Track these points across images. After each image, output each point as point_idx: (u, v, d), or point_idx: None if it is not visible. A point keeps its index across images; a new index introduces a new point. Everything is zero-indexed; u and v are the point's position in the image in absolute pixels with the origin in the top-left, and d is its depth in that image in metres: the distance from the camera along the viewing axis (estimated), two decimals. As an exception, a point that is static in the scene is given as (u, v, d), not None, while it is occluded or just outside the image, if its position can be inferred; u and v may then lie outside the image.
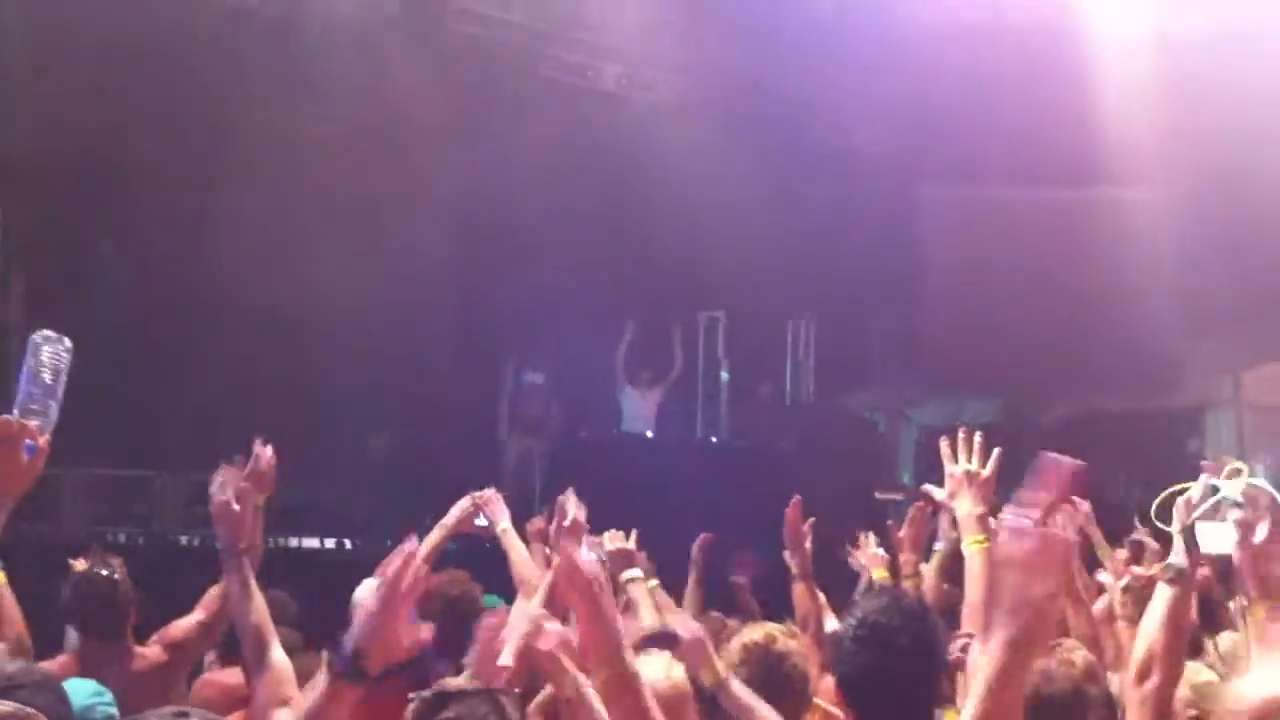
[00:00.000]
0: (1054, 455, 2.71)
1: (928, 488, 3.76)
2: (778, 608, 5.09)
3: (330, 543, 9.54)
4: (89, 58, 10.09)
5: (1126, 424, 13.14)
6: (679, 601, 5.69)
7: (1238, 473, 3.08)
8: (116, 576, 4.56)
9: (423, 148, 11.45)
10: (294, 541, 9.38)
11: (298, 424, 10.31)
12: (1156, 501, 3.18)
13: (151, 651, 4.54)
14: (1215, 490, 3.04)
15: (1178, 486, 3.12)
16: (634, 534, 4.50)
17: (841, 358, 14.47)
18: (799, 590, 4.67)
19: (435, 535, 4.77)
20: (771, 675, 3.31)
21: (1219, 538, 2.98)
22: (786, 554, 4.76)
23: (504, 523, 4.83)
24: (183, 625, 4.59)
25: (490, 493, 4.92)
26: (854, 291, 13.91)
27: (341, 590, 4.93)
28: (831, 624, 4.75)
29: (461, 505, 4.87)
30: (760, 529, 5.36)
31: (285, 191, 10.81)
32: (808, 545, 4.71)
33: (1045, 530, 2.38)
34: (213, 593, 4.57)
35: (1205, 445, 12.62)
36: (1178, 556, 3.08)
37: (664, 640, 3.43)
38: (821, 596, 4.82)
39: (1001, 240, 13.05)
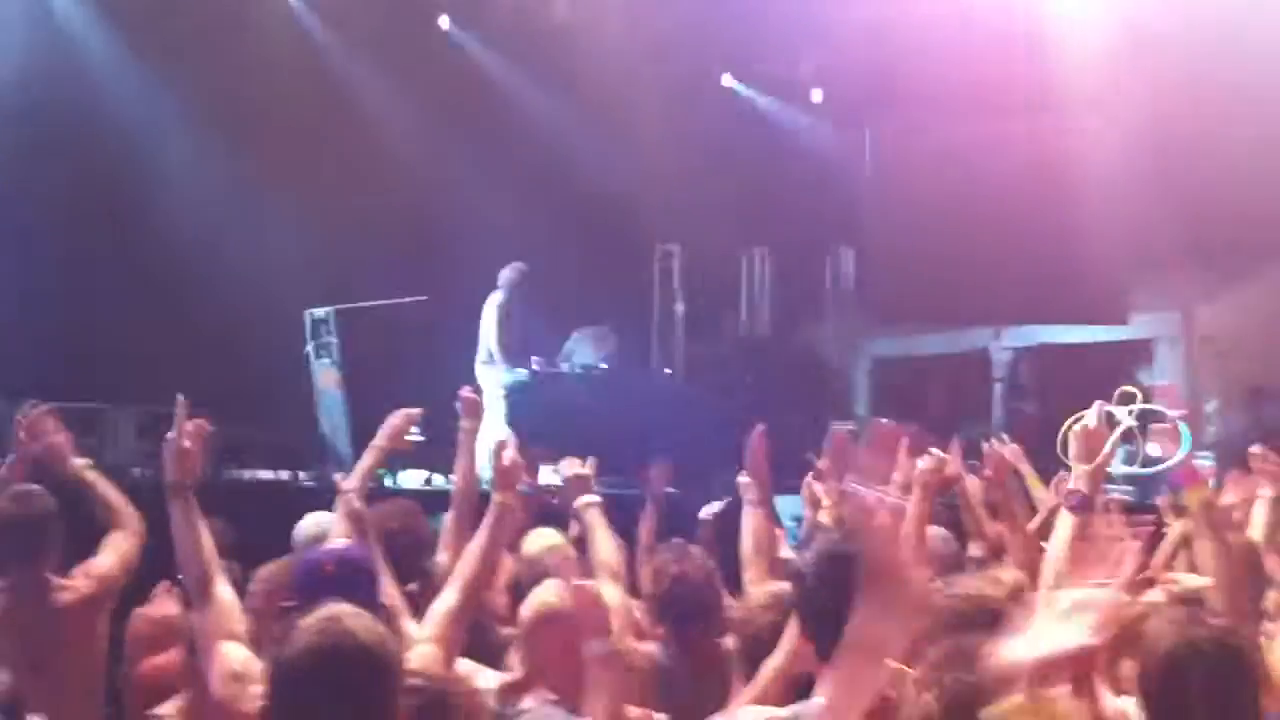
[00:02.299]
0: (882, 422, 2.85)
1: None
2: (733, 538, 5.12)
3: (285, 475, 9.46)
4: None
5: (1076, 356, 13.23)
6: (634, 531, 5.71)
7: (1130, 398, 3.19)
8: (39, 493, 4.48)
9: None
10: (247, 475, 9.31)
11: (244, 359, 10.27)
12: (1060, 435, 3.28)
13: (78, 583, 4.45)
14: (1111, 417, 3.14)
15: (1073, 418, 3.25)
16: (591, 461, 4.42)
17: (797, 291, 14.49)
18: (757, 516, 4.66)
19: (366, 459, 4.34)
20: None
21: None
22: (742, 480, 4.75)
23: (467, 422, 4.78)
24: (104, 562, 4.50)
25: (419, 412, 4.59)
26: (808, 225, 13.90)
27: (288, 522, 4.89)
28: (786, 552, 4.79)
29: (391, 422, 4.47)
30: (718, 460, 5.38)
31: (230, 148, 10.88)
32: (766, 472, 4.72)
33: (880, 499, 2.46)
34: (116, 537, 4.51)
35: (1154, 378, 12.73)
36: (1079, 483, 3.18)
37: None
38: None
39: (952, 172, 13.04)
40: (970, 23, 12.08)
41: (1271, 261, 12.57)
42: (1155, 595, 3.68)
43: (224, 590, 3.28)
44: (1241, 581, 3.35)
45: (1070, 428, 3.28)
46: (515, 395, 10.39)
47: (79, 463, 4.66)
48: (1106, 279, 12.82)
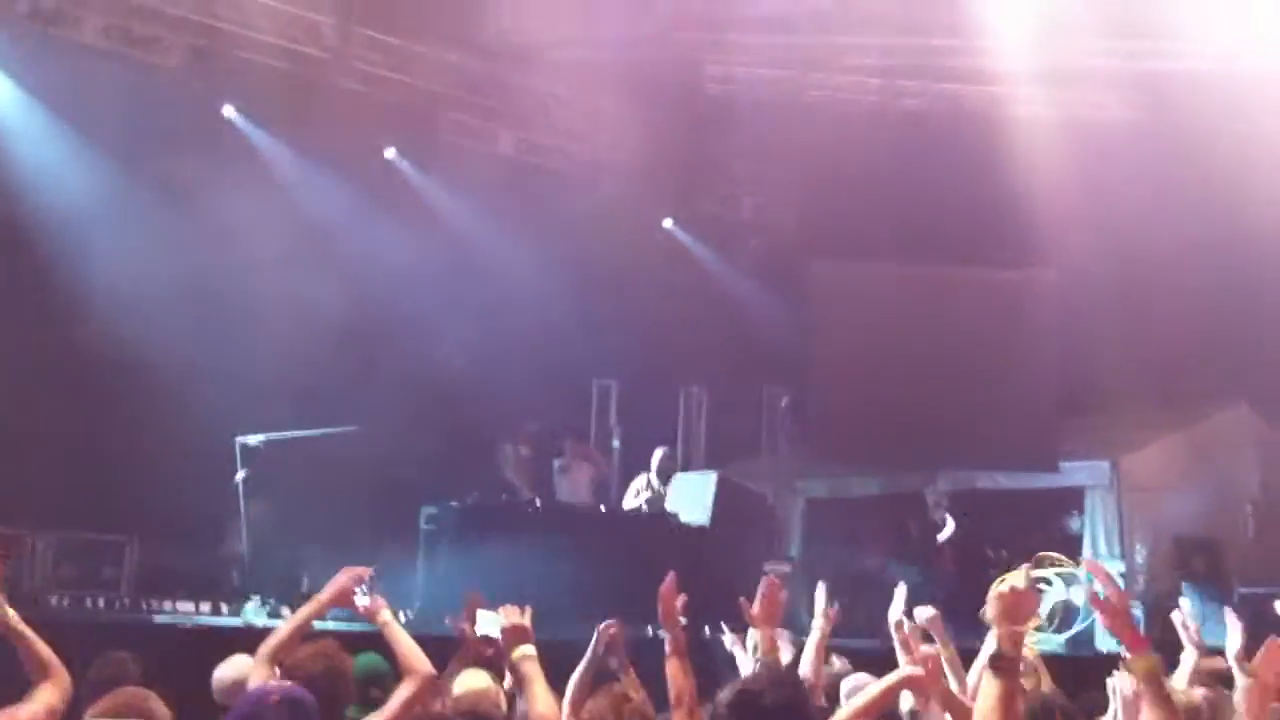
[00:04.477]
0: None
1: None
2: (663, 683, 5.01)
3: (205, 607, 9.16)
4: None
5: (1007, 503, 13.31)
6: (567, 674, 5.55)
7: (1050, 562, 3.18)
8: None
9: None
10: (166, 606, 8.95)
11: (170, 484, 9.94)
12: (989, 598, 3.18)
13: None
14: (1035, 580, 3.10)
15: (998, 580, 3.22)
16: (529, 610, 4.28)
17: (733, 428, 14.51)
18: (672, 666, 4.55)
19: (307, 608, 4.40)
20: None
21: None
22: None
23: (384, 614, 4.57)
24: (33, 709, 4.26)
25: (368, 571, 4.58)
26: (746, 362, 13.99)
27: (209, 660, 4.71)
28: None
29: (338, 580, 4.46)
30: (650, 600, 5.27)
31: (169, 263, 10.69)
32: (680, 621, 4.61)
33: None
34: (45, 688, 4.25)
35: (1084, 527, 12.79)
36: (1003, 645, 3.08)
37: None
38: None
39: (892, 316, 13.23)
40: (913, 173, 12.39)
41: (1197, 411, 12.84)
42: None
43: None
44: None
45: (995, 589, 3.21)
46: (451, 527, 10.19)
47: (10, 614, 4.40)
48: (1039, 426, 12.98)
